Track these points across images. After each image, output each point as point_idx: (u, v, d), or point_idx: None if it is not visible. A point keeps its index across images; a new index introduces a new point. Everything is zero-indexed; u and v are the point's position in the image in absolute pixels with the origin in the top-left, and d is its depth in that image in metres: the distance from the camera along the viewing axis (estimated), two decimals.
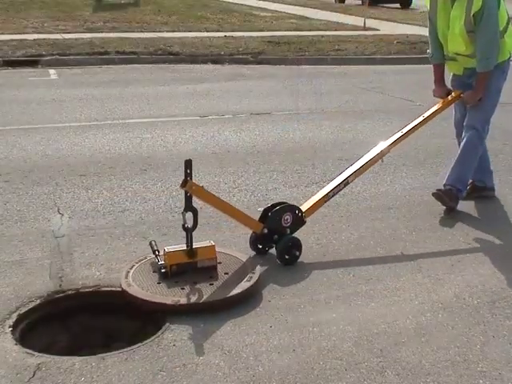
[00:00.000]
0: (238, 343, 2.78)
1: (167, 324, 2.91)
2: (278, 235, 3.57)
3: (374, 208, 4.49)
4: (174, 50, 11.67)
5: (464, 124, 4.42)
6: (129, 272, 3.25)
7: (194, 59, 11.30)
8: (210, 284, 3.18)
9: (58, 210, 4.32)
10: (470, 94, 4.29)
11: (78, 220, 4.15)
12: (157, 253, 3.32)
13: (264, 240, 3.62)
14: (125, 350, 2.72)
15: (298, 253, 3.58)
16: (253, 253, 3.64)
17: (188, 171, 3.15)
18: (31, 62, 10.47)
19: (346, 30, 15.98)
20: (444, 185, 4.38)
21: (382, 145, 4.08)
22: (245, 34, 13.98)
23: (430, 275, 3.48)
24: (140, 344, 2.76)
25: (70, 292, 3.21)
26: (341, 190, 3.92)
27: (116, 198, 4.57)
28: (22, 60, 10.48)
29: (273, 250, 3.63)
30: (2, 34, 12.61)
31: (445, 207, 4.36)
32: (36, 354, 2.69)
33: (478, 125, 4.33)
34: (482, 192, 4.69)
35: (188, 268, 3.25)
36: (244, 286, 3.17)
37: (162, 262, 3.25)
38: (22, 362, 2.61)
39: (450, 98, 4.41)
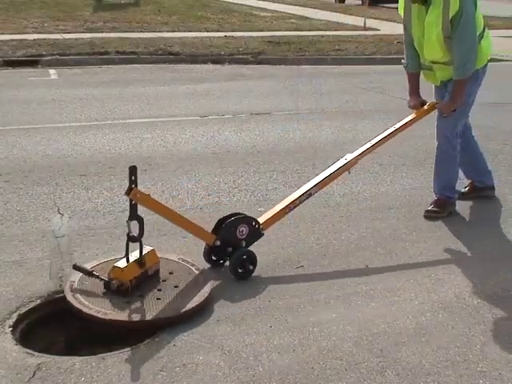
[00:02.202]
0: (237, 343, 2.78)
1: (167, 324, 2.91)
2: (232, 248, 3.39)
3: (374, 208, 4.49)
4: (174, 49, 11.67)
5: (435, 130, 4.34)
6: (80, 302, 2.95)
7: (194, 59, 11.30)
8: (175, 286, 3.14)
9: (58, 209, 4.32)
10: (446, 104, 4.16)
11: (77, 220, 4.15)
12: (95, 273, 3.07)
13: (218, 252, 3.45)
14: (125, 349, 2.73)
15: (251, 267, 3.38)
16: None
17: (133, 178, 2.96)
18: (31, 62, 10.46)
19: (346, 29, 15.99)
20: (434, 192, 4.41)
21: (349, 156, 3.94)
22: (245, 34, 13.98)
23: (430, 275, 3.48)
24: (140, 344, 2.76)
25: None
26: (303, 201, 3.73)
27: (116, 198, 4.56)
28: (22, 60, 10.48)
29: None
30: (2, 34, 12.61)
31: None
32: (36, 354, 2.69)
33: (447, 132, 4.23)
34: (482, 192, 4.69)
35: (143, 278, 3.13)
36: (206, 281, 3.19)
37: (115, 281, 3.01)
38: (22, 362, 2.62)
39: (425, 108, 4.30)
